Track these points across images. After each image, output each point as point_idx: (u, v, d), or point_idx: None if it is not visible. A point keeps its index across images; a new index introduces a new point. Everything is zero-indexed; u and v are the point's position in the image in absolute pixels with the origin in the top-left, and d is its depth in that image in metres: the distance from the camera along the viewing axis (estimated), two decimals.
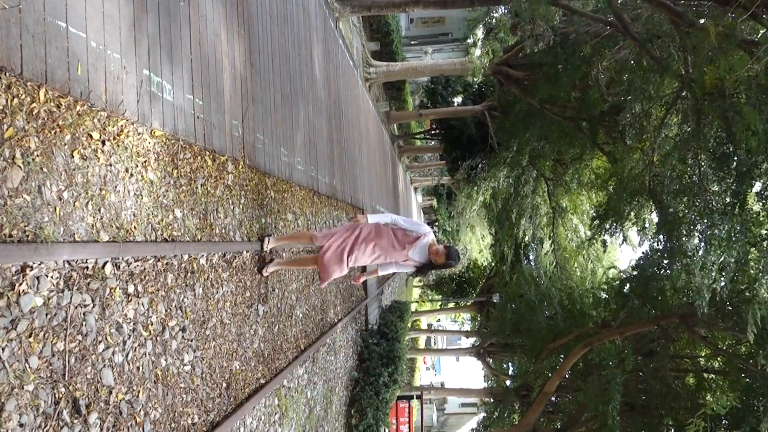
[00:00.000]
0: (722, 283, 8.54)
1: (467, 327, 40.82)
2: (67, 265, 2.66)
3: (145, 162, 3.42)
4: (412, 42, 31.94)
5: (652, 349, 13.43)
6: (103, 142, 2.99)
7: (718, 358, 12.38)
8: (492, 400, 19.42)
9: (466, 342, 33.79)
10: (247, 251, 5.18)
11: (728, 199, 8.28)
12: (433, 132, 28.85)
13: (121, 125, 3.17)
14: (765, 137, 6.58)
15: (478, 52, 17.60)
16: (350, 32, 14.63)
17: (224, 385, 4.50)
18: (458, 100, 26.50)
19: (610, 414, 10.88)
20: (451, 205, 36.35)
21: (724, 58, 6.74)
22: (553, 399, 15.58)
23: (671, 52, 8.36)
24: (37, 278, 2.47)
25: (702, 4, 8.47)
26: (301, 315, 6.95)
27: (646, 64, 9.32)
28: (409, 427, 12.97)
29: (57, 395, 2.55)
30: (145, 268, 3.36)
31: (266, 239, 5.41)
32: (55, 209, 2.59)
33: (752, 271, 8.20)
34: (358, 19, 17.03)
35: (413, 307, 32.43)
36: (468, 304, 31.78)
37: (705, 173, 8.66)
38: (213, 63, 4.59)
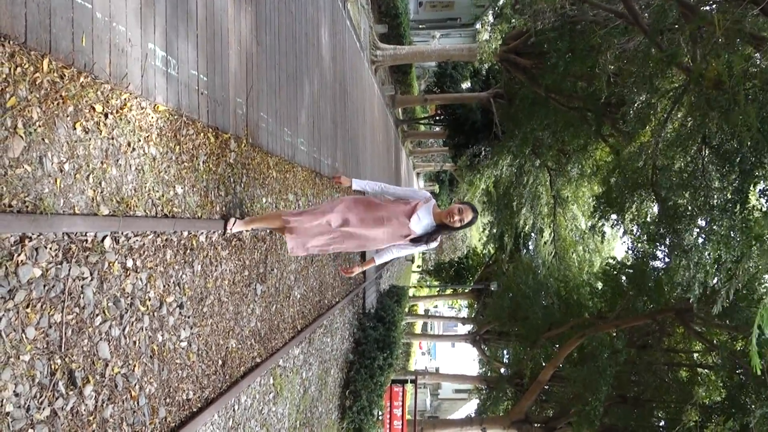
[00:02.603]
0: (715, 279, 8.56)
1: (464, 314, 41.00)
2: (66, 238, 2.66)
3: (147, 137, 3.40)
4: (420, 26, 31.70)
5: (646, 342, 13.49)
6: (106, 115, 2.97)
7: (712, 354, 12.44)
8: (486, 387, 19.54)
9: (463, 328, 33.97)
10: (247, 231, 5.17)
11: (729, 196, 8.26)
12: (437, 117, 28.73)
13: (125, 99, 3.15)
14: (759, 134, 6.55)
15: (486, 36, 17.47)
16: (358, 14, 14.52)
17: (220, 362, 4.52)
18: (466, 85, 26.36)
19: (592, 404, 10.97)
20: (453, 192, 36.37)
21: (728, 52, 6.69)
22: (546, 388, 15.69)
23: (680, 45, 8.29)
24: (36, 249, 2.47)
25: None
26: (298, 296, 6.97)
27: (654, 55, 9.25)
28: (403, 411, 13.04)
29: (53, 366, 2.56)
30: (144, 244, 3.36)
31: (231, 220, 4.55)
32: (56, 181, 2.58)
33: (752, 270, 8.21)
34: (367, 0, 16.88)
35: (411, 292, 32.53)
36: (466, 291, 31.88)
37: (707, 169, 8.63)
38: (219, 39, 4.55)
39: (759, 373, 7.67)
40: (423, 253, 50.54)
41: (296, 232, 4.36)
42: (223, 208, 4.59)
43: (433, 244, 4.47)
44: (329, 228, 4.33)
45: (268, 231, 5.42)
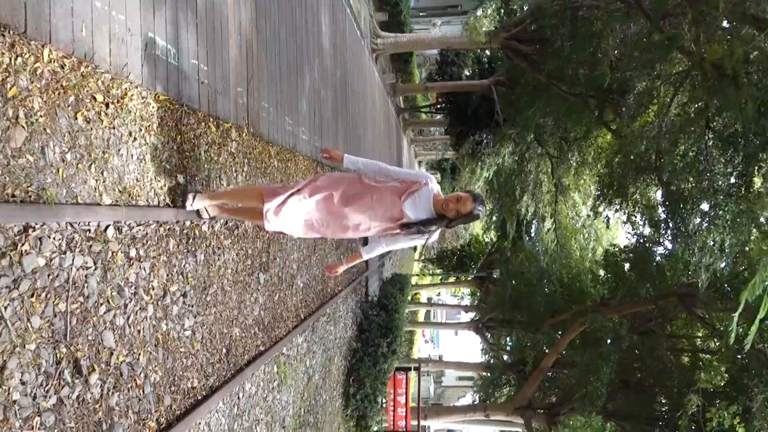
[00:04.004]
0: (722, 264, 8.56)
1: (467, 302, 41.08)
2: (69, 227, 2.67)
3: (148, 126, 3.40)
4: (421, 14, 31.56)
5: (648, 327, 13.52)
6: (107, 105, 2.98)
7: (714, 339, 12.47)
8: (489, 374, 19.62)
9: (465, 316, 34.05)
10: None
11: (734, 180, 8.25)
12: (439, 106, 28.64)
13: (125, 88, 3.15)
14: (754, 116, 6.53)
15: (485, 16, 17.40)
16: (359, 1, 14.44)
17: (224, 351, 4.55)
18: (467, 72, 26.25)
19: (596, 386, 11.03)
20: (455, 180, 36.31)
21: (729, 35, 6.67)
22: (549, 374, 15.75)
23: (683, 29, 8.25)
24: (40, 239, 2.48)
25: None
26: (301, 284, 6.99)
27: (657, 39, 9.21)
28: (406, 398, 13.10)
29: (58, 355, 2.58)
30: (147, 233, 3.37)
31: (190, 196, 3.85)
32: (58, 171, 2.59)
33: (752, 253, 8.22)
34: None
35: (414, 280, 32.59)
36: (468, 279, 31.91)
37: (711, 153, 8.61)
38: (219, 28, 4.54)
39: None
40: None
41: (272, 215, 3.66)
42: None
43: (432, 238, 3.76)
44: (306, 201, 3.65)
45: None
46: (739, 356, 10.88)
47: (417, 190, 3.62)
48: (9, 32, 2.29)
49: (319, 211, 3.69)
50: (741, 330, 11.16)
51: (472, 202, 3.53)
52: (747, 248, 9.03)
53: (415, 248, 39.54)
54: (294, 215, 3.67)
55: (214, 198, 3.98)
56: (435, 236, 3.76)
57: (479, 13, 17.08)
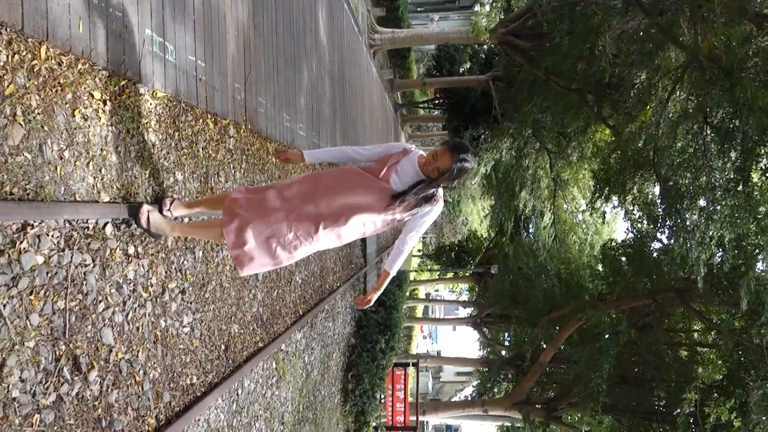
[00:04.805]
0: (719, 259, 8.59)
1: (465, 297, 41.14)
2: (67, 225, 2.67)
3: (146, 123, 3.40)
4: (419, 9, 31.50)
5: (646, 322, 13.56)
6: (105, 102, 2.97)
7: (712, 332, 12.51)
8: (487, 370, 19.66)
9: (464, 312, 34.11)
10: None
11: (732, 175, 8.26)
12: (436, 101, 28.61)
13: (123, 85, 3.14)
14: (762, 112, 6.54)
15: (485, 14, 17.39)
16: None
17: (223, 347, 4.55)
18: (465, 67, 26.23)
19: (596, 382, 11.07)
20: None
21: (726, 28, 6.68)
22: (547, 370, 15.79)
23: (680, 24, 8.25)
24: (38, 237, 2.48)
25: None
26: (300, 281, 7.00)
27: (654, 35, 9.22)
28: (405, 394, 13.15)
29: (57, 352, 2.58)
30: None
31: (167, 201, 3.49)
32: (56, 168, 2.58)
33: (750, 247, 8.24)
34: None
35: (412, 276, 32.62)
36: (466, 274, 31.94)
37: (709, 148, 8.63)
38: (217, 24, 4.53)
39: None
40: (423, 237, 50.58)
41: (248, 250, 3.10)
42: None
43: (429, 209, 3.21)
44: (277, 209, 3.06)
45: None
46: (736, 349, 10.92)
47: (396, 162, 3.15)
48: (6, 29, 2.28)
49: (294, 211, 3.08)
50: (739, 324, 11.23)
51: (450, 155, 2.97)
52: (745, 243, 9.05)
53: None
54: (268, 245, 3.10)
55: (191, 207, 3.60)
56: (434, 206, 3.21)
57: (486, 8, 17.07)
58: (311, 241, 3.14)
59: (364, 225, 3.19)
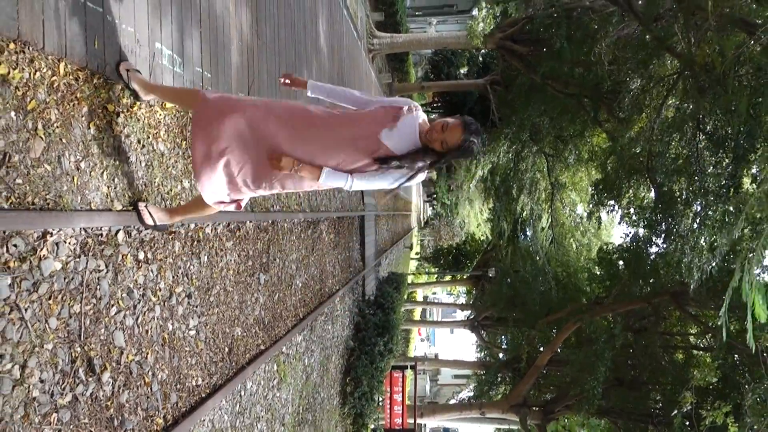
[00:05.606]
0: (713, 264, 8.72)
1: (462, 300, 41.23)
2: (83, 232, 2.79)
3: (156, 133, 3.52)
4: (417, 13, 31.63)
5: (642, 325, 13.69)
6: (118, 114, 3.10)
7: (707, 336, 12.64)
8: (484, 372, 19.76)
9: (461, 315, 34.18)
10: (251, 221, 5.31)
11: (724, 181, 8.40)
12: (434, 104, 28.76)
13: (135, 98, 3.26)
14: (751, 119, 6.68)
15: (480, 19, 17.53)
16: (355, 2, 14.55)
17: (226, 350, 4.67)
18: (463, 71, 26.38)
19: (591, 385, 11.18)
20: (450, 179, 36.43)
21: (719, 36, 6.81)
22: (544, 372, 15.90)
23: (674, 32, 8.40)
24: (56, 244, 2.60)
25: None
26: (300, 284, 7.12)
27: (649, 42, 9.36)
28: (403, 396, 13.25)
29: (73, 354, 2.70)
30: (154, 236, 3.49)
31: (147, 210, 3.25)
32: (73, 179, 2.71)
33: (743, 252, 8.37)
34: None
35: (409, 279, 32.73)
36: (464, 277, 32.05)
37: (702, 154, 8.77)
38: (221, 36, 4.66)
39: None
40: (420, 232, 50.59)
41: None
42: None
43: (417, 178, 2.84)
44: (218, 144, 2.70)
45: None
46: (731, 353, 11.05)
47: (398, 116, 2.75)
48: (29, 48, 2.41)
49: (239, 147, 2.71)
50: (734, 328, 11.35)
51: (462, 132, 2.64)
52: (738, 247, 9.18)
53: (411, 247, 39.66)
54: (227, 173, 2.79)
55: (174, 215, 3.36)
56: (420, 176, 2.86)
57: (482, 12, 17.20)
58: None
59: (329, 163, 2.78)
